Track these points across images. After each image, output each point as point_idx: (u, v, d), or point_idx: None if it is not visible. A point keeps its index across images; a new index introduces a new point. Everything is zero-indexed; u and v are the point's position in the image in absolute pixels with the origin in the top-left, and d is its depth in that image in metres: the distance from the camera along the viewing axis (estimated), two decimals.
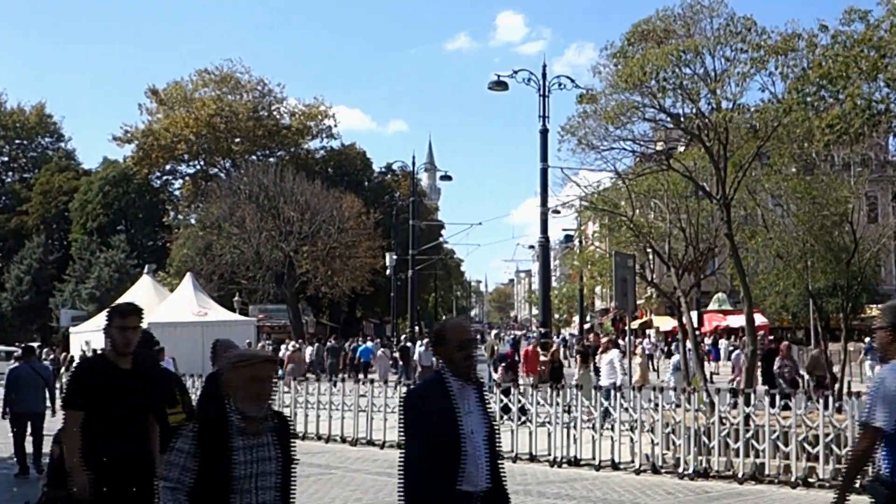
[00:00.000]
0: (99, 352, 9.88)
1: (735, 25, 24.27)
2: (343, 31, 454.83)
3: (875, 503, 7.25)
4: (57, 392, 22.10)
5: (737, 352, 41.27)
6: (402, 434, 7.38)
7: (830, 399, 18.04)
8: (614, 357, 29.66)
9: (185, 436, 6.24)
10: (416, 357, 45.70)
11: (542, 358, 35.97)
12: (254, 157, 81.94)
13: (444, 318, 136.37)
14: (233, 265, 64.95)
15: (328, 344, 54.89)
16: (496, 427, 7.60)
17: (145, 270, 56.04)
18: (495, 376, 32.89)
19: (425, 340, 45.79)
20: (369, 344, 57.22)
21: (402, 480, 7.25)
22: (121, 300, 50.47)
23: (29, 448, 20.23)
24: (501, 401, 22.01)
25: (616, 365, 29.57)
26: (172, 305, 47.65)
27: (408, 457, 7.25)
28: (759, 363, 28.70)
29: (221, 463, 6.14)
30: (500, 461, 7.48)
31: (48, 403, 21.12)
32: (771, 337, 49.06)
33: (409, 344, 52.19)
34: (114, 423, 8.62)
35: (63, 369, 41.72)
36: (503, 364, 33.78)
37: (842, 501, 7.20)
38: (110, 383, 8.74)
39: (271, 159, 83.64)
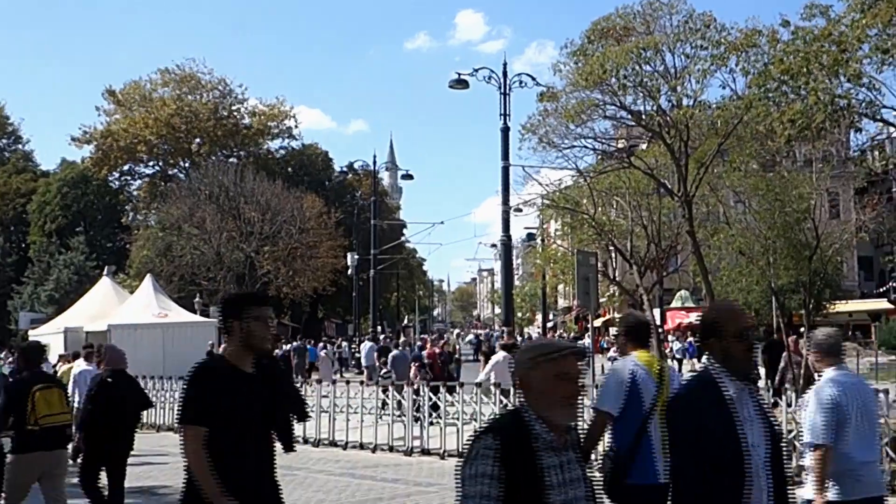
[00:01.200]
0: (218, 352, 8.15)
1: (695, 22, 24.37)
2: (303, 31, 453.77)
3: (603, 475, 8.38)
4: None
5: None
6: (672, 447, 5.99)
7: (794, 396, 18.01)
8: (500, 359, 29.14)
9: (482, 455, 4.79)
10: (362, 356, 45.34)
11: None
12: (214, 158, 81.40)
13: (406, 318, 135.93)
14: (193, 266, 64.48)
15: (293, 344, 54.51)
16: (781, 437, 6.21)
17: (105, 272, 55.45)
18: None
19: (368, 338, 45.74)
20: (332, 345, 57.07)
21: None
22: (80, 302, 50.22)
23: None
24: (430, 399, 22.44)
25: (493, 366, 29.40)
26: (132, 307, 47.18)
27: (681, 480, 5.81)
28: (766, 359, 28.02)
29: (532, 488, 4.80)
30: (787, 484, 5.87)
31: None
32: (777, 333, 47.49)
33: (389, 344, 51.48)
34: (240, 440, 7.02)
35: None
36: (417, 363, 33.81)
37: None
38: (235, 391, 7.04)
39: (232, 159, 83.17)
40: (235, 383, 7.04)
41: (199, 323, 50.41)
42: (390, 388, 24.50)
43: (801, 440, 8.46)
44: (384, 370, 34.99)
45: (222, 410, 6.91)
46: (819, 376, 8.26)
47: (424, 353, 37.33)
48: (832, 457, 7.70)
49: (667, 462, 6.54)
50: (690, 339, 58.48)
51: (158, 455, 22.76)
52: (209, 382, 7.08)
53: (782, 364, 26.47)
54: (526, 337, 77.26)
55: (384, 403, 24.41)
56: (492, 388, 21.62)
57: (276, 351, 48.66)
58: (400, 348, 37.34)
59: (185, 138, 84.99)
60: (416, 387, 23.77)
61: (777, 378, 26.19)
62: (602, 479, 8.03)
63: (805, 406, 8.12)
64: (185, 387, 7.17)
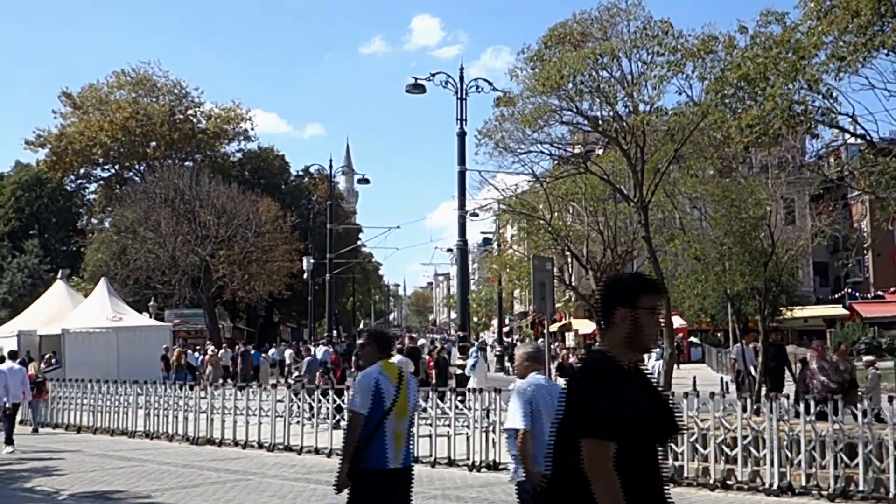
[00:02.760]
0: (604, 350, 5.64)
1: (652, 29, 24.41)
2: (258, 35, 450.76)
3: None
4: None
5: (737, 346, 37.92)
6: None
7: (749, 401, 18.12)
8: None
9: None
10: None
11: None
12: (170, 161, 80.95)
13: (362, 322, 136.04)
14: (148, 270, 64.06)
15: (239, 349, 53.82)
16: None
17: (59, 276, 55.19)
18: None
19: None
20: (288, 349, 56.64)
21: None
22: (34, 306, 49.90)
23: None
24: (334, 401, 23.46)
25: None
26: (87, 311, 46.95)
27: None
28: (765, 362, 27.59)
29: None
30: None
31: None
32: (773, 336, 46.48)
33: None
34: (647, 459, 5.66)
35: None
36: (321, 369, 34.27)
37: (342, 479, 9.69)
38: (638, 397, 5.53)
39: (188, 163, 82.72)
40: (634, 388, 5.71)
41: (153, 327, 50.30)
42: (301, 392, 25.06)
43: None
44: (296, 374, 35.68)
45: (634, 421, 5.55)
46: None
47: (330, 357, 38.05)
48: (531, 439, 9.39)
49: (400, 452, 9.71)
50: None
51: (114, 459, 22.69)
52: (618, 386, 5.58)
53: (801, 370, 25.11)
54: (481, 342, 77.38)
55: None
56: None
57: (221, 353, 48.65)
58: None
59: (141, 141, 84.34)
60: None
61: (798, 386, 24.32)
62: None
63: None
64: (586, 389, 5.55)
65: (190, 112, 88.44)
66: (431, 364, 36.26)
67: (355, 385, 10.38)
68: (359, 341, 11.81)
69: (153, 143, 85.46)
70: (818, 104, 19.02)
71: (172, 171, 70.26)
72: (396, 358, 29.21)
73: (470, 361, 33.25)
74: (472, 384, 28.30)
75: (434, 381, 31.76)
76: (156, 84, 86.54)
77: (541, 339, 34.69)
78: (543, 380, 10.14)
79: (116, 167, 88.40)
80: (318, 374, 34.25)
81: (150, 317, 58.02)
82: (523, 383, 9.99)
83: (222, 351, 49.47)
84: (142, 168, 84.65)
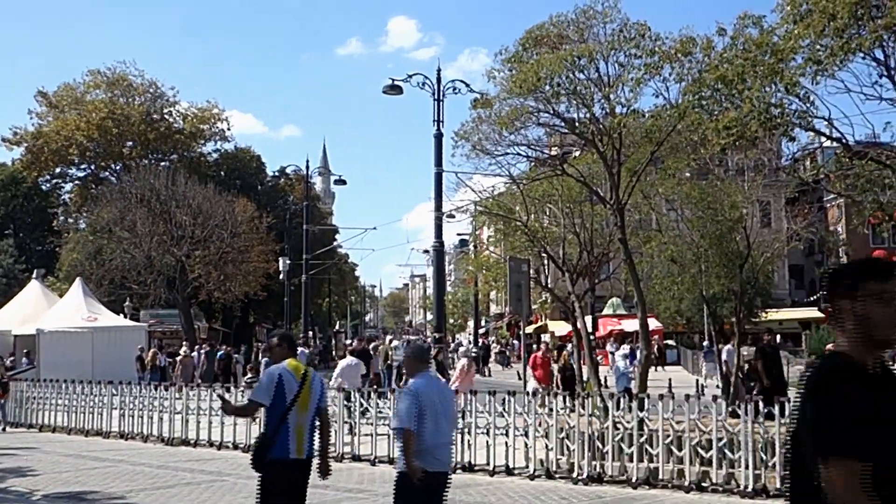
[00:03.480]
0: (841, 351, 4.54)
1: (629, 31, 24.41)
2: (234, 36, 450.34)
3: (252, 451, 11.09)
4: None
5: (727, 348, 36.92)
6: None
7: (724, 404, 18.17)
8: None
9: None
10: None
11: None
12: (146, 161, 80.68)
13: (338, 323, 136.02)
14: (123, 270, 63.81)
15: (203, 349, 53.10)
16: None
17: (34, 275, 55.02)
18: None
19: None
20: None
21: None
22: (9, 306, 49.73)
23: None
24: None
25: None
26: (62, 311, 46.83)
27: None
28: (761, 364, 27.07)
29: None
30: None
31: None
32: (768, 337, 45.82)
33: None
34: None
35: None
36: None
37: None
38: (889, 404, 4.47)
39: (164, 163, 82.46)
40: (882, 392, 4.71)
41: (128, 327, 50.20)
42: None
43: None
44: (249, 376, 35.98)
45: (887, 433, 4.54)
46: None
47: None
48: (415, 437, 10.14)
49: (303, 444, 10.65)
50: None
51: (88, 459, 22.63)
52: (861, 391, 4.61)
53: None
54: (456, 343, 77.35)
55: None
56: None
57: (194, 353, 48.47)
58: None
59: (117, 141, 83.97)
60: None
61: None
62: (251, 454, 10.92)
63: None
64: (821, 401, 4.51)
65: (166, 112, 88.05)
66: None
67: (260, 378, 11.95)
68: (271, 341, 12.12)
69: (129, 143, 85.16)
70: (795, 107, 19.07)
71: (148, 171, 70.03)
72: (347, 360, 30.01)
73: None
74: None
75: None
76: (132, 84, 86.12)
77: (516, 341, 34.58)
78: (430, 378, 10.98)
79: (92, 167, 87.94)
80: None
81: (126, 317, 57.81)
82: (410, 383, 10.83)
83: (194, 353, 49.27)
84: (118, 168, 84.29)
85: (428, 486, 10.25)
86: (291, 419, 10.61)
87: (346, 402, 23.38)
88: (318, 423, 11.11)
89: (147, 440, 26.15)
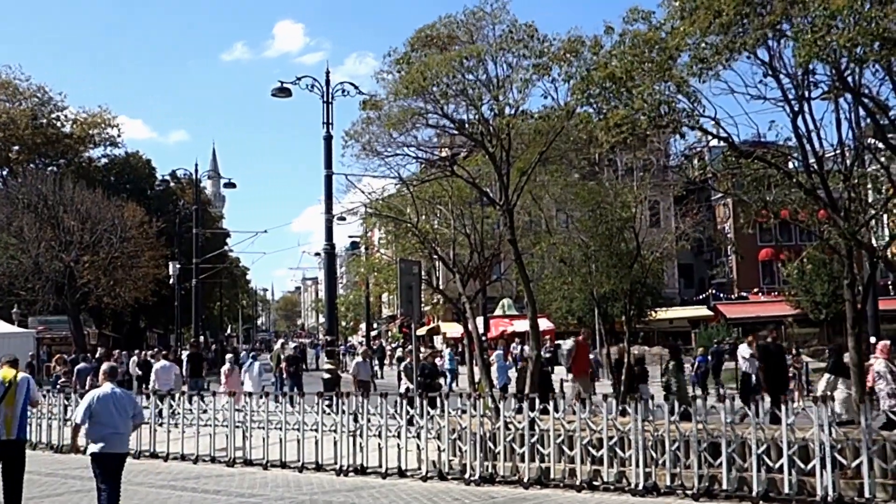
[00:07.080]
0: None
1: (517, 32, 24.44)
2: (121, 42, 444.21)
3: None
4: None
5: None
6: None
7: (614, 403, 18.27)
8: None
9: None
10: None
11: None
12: (33, 166, 79.56)
13: (230, 327, 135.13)
14: (10, 276, 63.02)
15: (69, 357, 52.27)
16: None
17: None
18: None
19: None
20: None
21: None
22: None
23: None
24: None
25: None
26: None
27: None
28: (760, 364, 26.60)
29: None
30: None
31: None
32: (773, 335, 41.83)
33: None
34: None
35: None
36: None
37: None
38: None
39: (51, 168, 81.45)
40: None
41: (17, 334, 49.63)
42: (152, 396, 25.16)
43: None
44: (63, 379, 37.05)
45: None
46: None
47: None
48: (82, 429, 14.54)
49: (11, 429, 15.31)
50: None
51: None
52: None
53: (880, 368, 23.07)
54: (349, 346, 77.17)
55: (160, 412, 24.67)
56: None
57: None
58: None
59: (3, 146, 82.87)
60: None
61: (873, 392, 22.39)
62: None
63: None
64: None
65: (53, 116, 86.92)
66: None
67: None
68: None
69: (15, 148, 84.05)
70: (683, 106, 19.18)
71: (35, 176, 69.22)
72: (161, 363, 31.87)
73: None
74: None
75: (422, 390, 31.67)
76: (17, 88, 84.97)
77: (409, 345, 34.54)
78: (110, 389, 14.64)
79: None
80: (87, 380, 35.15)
81: (14, 324, 57.00)
82: (94, 391, 14.95)
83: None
84: (4, 173, 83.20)
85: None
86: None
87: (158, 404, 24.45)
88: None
89: (36, 448, 25.88)
